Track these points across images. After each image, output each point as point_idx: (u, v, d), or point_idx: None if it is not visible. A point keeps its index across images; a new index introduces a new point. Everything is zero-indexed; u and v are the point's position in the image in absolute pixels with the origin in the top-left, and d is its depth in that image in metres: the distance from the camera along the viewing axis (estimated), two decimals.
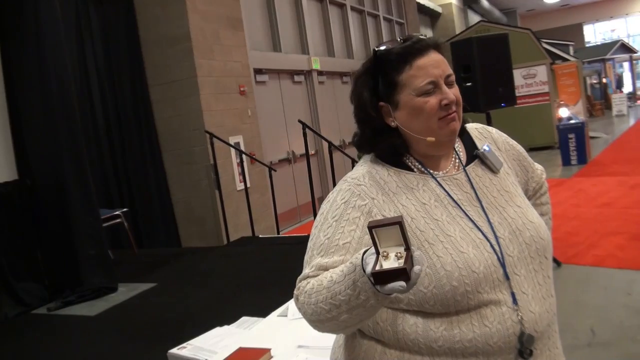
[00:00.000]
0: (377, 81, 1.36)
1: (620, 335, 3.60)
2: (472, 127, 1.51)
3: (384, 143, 1.37)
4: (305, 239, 1.40)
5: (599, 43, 28.95)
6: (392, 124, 1.36)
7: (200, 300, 4.52)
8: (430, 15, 19.89)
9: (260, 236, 7.04)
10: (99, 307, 4.63)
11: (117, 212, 6.02)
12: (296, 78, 9.73)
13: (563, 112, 12.63)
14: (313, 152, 9.65)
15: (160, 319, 4.22)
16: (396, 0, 15.24)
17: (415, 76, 1.30)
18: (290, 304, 2.64)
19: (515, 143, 1.54)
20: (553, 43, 17.29)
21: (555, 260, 4.72)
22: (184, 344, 2.66)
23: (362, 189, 1.34)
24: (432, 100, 1.30)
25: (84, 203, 5.03)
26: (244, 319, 3.00)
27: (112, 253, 5.47)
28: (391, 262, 1.02)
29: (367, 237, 1.08)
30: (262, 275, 5.02)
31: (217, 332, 2.79)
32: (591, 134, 12.56)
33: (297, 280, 1.28)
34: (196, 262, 5.89)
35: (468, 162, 1.42)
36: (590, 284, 4.58)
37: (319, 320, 1.19)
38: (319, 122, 10.04)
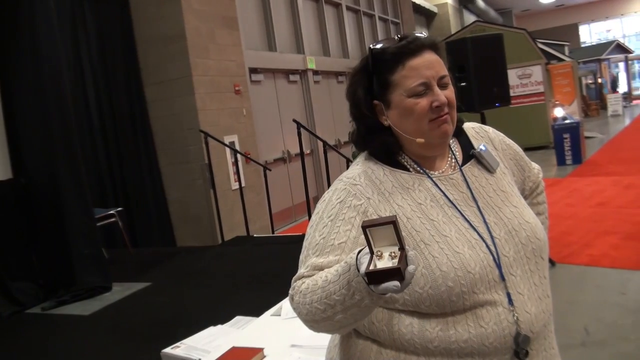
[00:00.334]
0: (372, 79, 1.35)
1: (614, 335, 3.61)
2: (469, 127, 1.51)
3: (377, 141, 1.37)
4: (300, 238, 1.39)
5: (594, 43, 29.01)
6: (385, 122, 1.36)
7: (195, 300, 4.51)
8: (426, 15, 19.91)
9: (255, 236, 7.04)
10: (94, 307, 4.62)
11: (111, 212, 6.01)
12: (291, 77, 9.72)
13: (558, 112, 12.66)
14: (308, 151, 9.65)
15: (154, 318, 4.22)
16: (392, 0, 15.24)
17: (407, 77, 1.30)
18: (284, 303, 2.63)
19: (512, 142, 1.54)
20: (548, 43, 17.34)
21: (549, 260, 4.72)
22: (178, 344, 2.66)
23: (358, 188, 1.33)
24: (423, 102, 1.29)
25: (79, 202, 5.02)
26: (237, 318, 2.99)
27: (106, 252, 5.47)
28: (385, 262, 1.01)
29: (363, 237, 1.07)
30: (257, 275, 5.02)
31: (210, 331, 2.78)
32: (586, 134, 12.58)
33: (292, 280, 1.27)
34: (191, 262, 5.88)
35: (464, 162, 1.41)
36: (584, 284, 4.59)
37: (314, 320, 1.19)
38: (314, 122, 10.04)
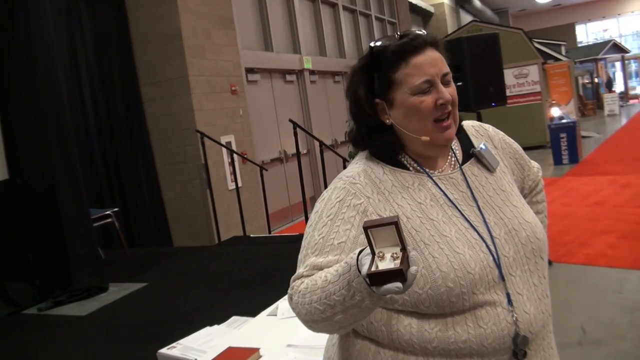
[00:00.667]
0: (373, 78, 1.34)
1: (610, 334, 3.61)
2: (469, 125, 1.50)
3: (379, 140, 1.36)
4: (297, 238, 1.39)
5: (591, 43, 29.08)
6: (388, 121, 1.34)
7: (191, 300, 4.51)
8: (423, 15, 19.91)
9: (251, 236, 7.04)
10: (90, 307, 4.61)
11: (107, 212, 6.00)
12: (288, 77, 9.72)
13: (555, 112, 12.68)
14: (305, 151, 9.65)
15: (150, 318, 4.21)
16: (388, 0, 15.25)
17: (411, 74, 1.28)
18: (280, 303, 2.63)
19: (512, 141, 1.53)
20: (545, 43, 17.36)
21: None
22: (174, 344, 2.67)
23: (358, 187, 1.32)
24: (428, 100, 1.28)
25: (75, 202, 5.01)
26: (234, 318, 2.99)
27: (103, 253, 5.45)
28: (387, 263, 1.00)
29: (362, 236, 1.06)
30: (253, 275, 5.01)
31: (206, 331, 2.78)
32: (583, 133, 12.61)
33: (291, 280, 1.26)
34: (187, 262, 5.88)
35: (464, 161, 1.41)
36: (581, 283, 4.60)
37: (313, 320, 1.18)
38: (310, 122, 10.04)
